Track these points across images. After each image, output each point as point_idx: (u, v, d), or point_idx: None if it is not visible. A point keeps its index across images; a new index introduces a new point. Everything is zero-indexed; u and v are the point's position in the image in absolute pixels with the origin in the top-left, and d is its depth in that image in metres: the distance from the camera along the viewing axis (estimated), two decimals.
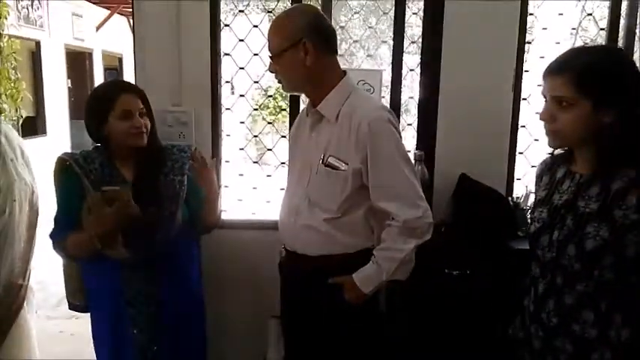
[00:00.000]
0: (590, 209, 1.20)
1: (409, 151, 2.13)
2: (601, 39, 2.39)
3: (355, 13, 2.50)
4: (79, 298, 1.85)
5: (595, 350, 1.22)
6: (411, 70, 2.40)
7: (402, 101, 2.38)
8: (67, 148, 7.61)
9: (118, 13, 9.31)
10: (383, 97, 2.35)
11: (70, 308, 1.90)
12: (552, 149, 1.32)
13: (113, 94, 1.68)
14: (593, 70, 1.18)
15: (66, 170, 1.70)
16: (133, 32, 2.26)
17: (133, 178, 1.72)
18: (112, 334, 1.72)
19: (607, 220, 1.17)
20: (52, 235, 1.72)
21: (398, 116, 2.34)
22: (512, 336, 1.41)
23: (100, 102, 1.70)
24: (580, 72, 1.18)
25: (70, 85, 8.36)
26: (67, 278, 1.86)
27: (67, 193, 1.71)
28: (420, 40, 2.31)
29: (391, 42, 2.30)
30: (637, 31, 2.32)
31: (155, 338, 1.71)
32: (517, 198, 2.27)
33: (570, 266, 1.23)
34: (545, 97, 1.24)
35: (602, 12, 2.47)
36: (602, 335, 1.21)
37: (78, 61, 8.76)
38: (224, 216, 2.40)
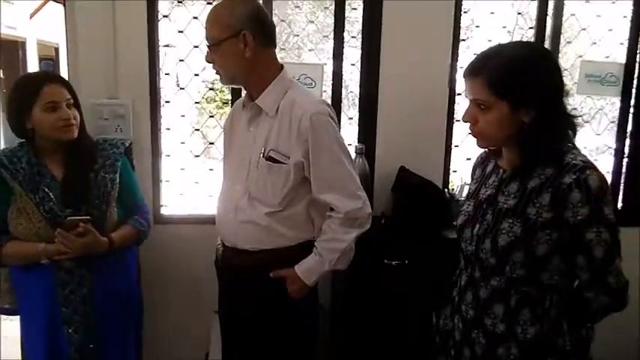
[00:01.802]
0: (507, 205, 1.22)
1: (350, 145, 2.18)
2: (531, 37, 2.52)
3: (296, 7, 2.50)
4: (8, 301, 1.77)
5: (502, 344, 1.23)
6: (352, 64, 2.43)
7: (347, 94, 2.41)
8: (0, 141, 7.20)
9: (54, 0, 8.87)
10: (324, 91, 2.38)
11: None
12: (482, 149, 1.32)
13: (36, 84, 1.60)
14: (507, 71, 1.15)
15: None
16: (66, 21, 2.17)
17: (62, 175, 1.65)
18: (45, 336, 1.65)
19: (521, 217, 1.18)
20: None
21: (340, 110, 2.38)
22: (442, 326, 1.44)
23: (22, 93, 1.61)
24: (493, 73, 1.16)
25: (1, 76, 7.90)
26: None
27: None
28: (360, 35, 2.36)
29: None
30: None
31: (92, 336, 1.67)
32: (452, 189, 2.36)
33: (486, 260, 1.24)
34: (466, 96, 1.24)
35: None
36: (509, 330, 1.23)
37: (10, 50, 8.27)
38: (164, 211, 2.37)
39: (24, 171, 1.60)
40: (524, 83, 1.15)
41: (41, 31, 8.94)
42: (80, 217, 1.57)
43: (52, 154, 1.66)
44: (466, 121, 1.24)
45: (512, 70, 1.16)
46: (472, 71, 1.20)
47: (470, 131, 1.25)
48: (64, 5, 2.16)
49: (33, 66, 8.78)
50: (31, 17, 8.71)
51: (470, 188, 1.43)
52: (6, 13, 7.83)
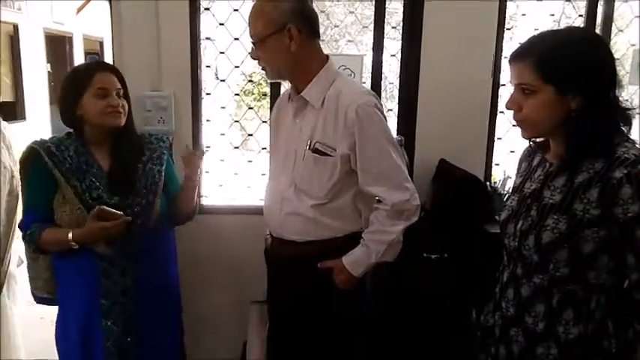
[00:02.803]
0: (553, 200, 1.16)
1: None
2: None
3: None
4: (48, 291, 1.80)
5: (541, 344, 1.19)
6: (392, 55, 2.40)
7: (385, 86, 2.39)
8: (48, 133, 7.48)
9: None
10: (364, 82, 2.36)
11: (37, 302, 1.85)
12: (526, 139, 1.26)
13: (89, 72, 1.63)
14: (553, 53, 1.10)
15: (36, 160, 1.62)
16: (111, 16, 2.23)
17: (109, 166, 1.67)
18: (80, 326, 1.67)
19: (567, 213, 1.12)
20: (23, 226, 1.67)
21: None
22: (483, 323, 1.39)
23: (75, 81, 1.64)
24: (540, 56, 1.11)
25: (49, 70, 8.20)
26: (34, 272, 1.80)
27: (36, 184, 1.65)
28: (401, 25, 2.32)
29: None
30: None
31: (129, 329, 1.68)
32: (495, 183, 2.30)
33: (529, 257, 1.19)
34: (511, 82, 1.19)
35: None
36: (549, 330, 1.18)
37: (58, 45, 8.58)
38: (204, 201, 2.41)
39: (71, 159, 1.63)
40: (571, 67, 1.10)
41: (87, 26, 9.21)
42: (114, 211, 1.55)
43: (100, 144, 1.69)
44: (509, 108, 1.19)
45: (560, 53, 1.11)
46: (518, 55, 1.15)
47: (514, 120, 1.20)
48: (110, 1, 2.22)
49: (79, 60, 9.07)
50: (77, 13, 8.98)
51: (515, 182, 1.37)
52: (54, 9, 8.11)
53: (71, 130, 1.70)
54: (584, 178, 1.12)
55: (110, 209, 1.55)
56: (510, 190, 2.19)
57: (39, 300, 1.84)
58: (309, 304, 1.61)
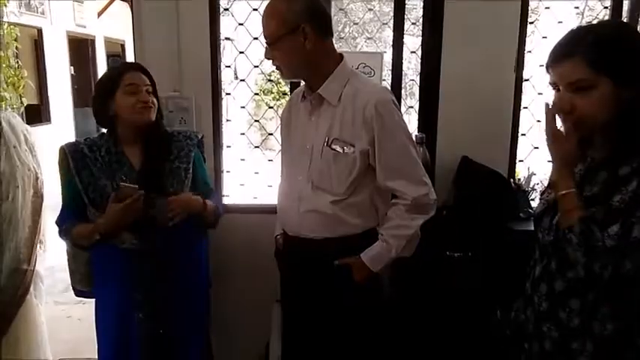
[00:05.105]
0: (591, 193, 1.14)
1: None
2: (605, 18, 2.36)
3: None
4: (86, 285, 1.87)
5: (576, 339, 1.17)
6: (413, 52, 2.38)
7: (405, 84, 2.37)
8: (72, 136, 7.63)
9: None
10: (384, 79, 2.34)
11: (77, 295, 1.92)
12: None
13: (119, 71, 1.70)
14: (605, 45, 1.07)
15: (66, 162, 1.69)
16: (132, 18, 2.25)
17: (140, 164, 1.72)
18: (117, 319, 1.73)
19: (604, 205, 1.09)
20: (58, 223, 1.74)
21: (400, 99, 2.34)
22: (514, 319, 1.38)
23: (106, 81, 1.71)
24: (591, 49, 1.07)
25: (73, 73, 8.35)
26: (73, 266, 1.87)
27: (68, 184, 1.71)
28: (421, 21, 2.29)
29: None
30: None
31: (161, 322, 1.74)
32: (519, 179, 2.26)
33: (564, 251, 1.16)
34: (554, 87, 1.14)
35: None
36: (585, 325, 1.15)
37: (80, 48, 8.75)
38: (226, 200, 2.42)
39: (102, 159, 1.69)
40: (625, 56, 1.07)
41: (109, 28, 9.36)
42: (131, 186, 1.60)
43: (132, 143, 1.73)
44: (562, 111, 1.14)
45: (611, 44, 1.08)
46: (563, 54, 1.11)
47: (564, 124, 1.14)
48: (131, 4, 2.24)
49: (102, 62, 9.24)
50: (98, 16, 9.13)
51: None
52: (76, 12, 8.26)
53: (104, 132, 1.76)
54: (627, 172, 1.10)
55: (128, 184, 1.60)
56: (534, 187, 2.17)
57: (78, 293, 1.91)
58: (326, 302, 1.61)
